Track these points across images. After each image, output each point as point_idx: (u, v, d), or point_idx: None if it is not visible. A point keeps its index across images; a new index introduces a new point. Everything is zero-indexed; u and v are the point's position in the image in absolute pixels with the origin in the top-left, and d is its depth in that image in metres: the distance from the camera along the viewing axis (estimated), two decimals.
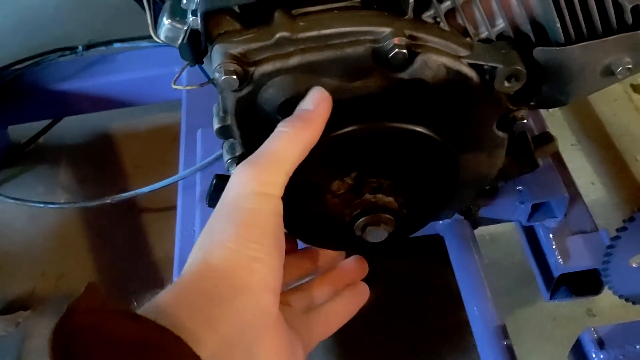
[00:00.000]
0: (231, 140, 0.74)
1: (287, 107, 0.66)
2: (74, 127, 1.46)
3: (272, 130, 0.64)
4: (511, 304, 1.07)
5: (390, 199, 0.64)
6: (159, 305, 0.40)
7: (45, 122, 1.39)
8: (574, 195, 0.94)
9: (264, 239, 0.45)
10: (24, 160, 1.41)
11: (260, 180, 0.47)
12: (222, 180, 0.79)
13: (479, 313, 0.80)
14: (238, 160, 0.73)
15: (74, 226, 1.27)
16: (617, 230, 0.74)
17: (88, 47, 1.29)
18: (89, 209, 1.29)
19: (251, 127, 0.69)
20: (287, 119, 0.53)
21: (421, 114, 0.63)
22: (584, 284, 0.95)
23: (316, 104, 0.55)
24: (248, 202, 0.46)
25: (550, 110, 1.36)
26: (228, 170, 0.75)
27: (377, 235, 0.63)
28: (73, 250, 1.23)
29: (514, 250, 1.13)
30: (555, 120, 1.34)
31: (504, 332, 0.78)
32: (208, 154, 1.00)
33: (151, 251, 1.22)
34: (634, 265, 0.81)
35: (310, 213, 0.66)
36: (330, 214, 0.66)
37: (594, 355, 0.79)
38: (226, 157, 0.74)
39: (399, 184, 0.65)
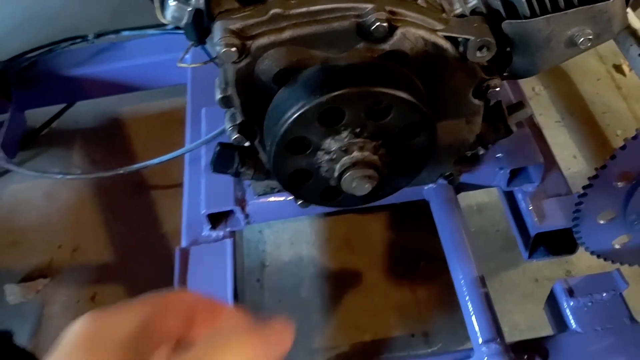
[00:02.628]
0: (232, 109, 0.83)
1: (282, 77, 0.74)
2: (85, 112, 1.54)
3: (269, 99, 0.72)
4: (496, 268, 1.15)
5: (375, 157, 0.72)
6: None
7: (58, 108, 1.47)
8: (551, 163, 1.02)
9: None
10: (39, 143, 1.49)
11: None
12: (225, 148, 0.87)
13: (459, 265, 0.88)
14: (239, 127, 0.81)
15: (88, 203, 1.36)
16: (583, 187, 0.82)
17: (98, 35, 1.37)
18: (102, 187, 1.38)
19: (250, 96, 0.77)
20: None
21: (403, 82, 0.71)
22: (561, 245, 1.03)
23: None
24: None
25: (536, 89, 1.44)
26: (230, 137, 0.83)
27: (361, 187, 0.71)
28: (87, 224, 1.32)
29: (500, 219, 1.21)
30: (540, 99, 1.42)
31: (482, 281, 0.86)
32: (212, 130, 1.08)
33: (161, 225, 1.30)
34: (601, 222, 0.88)
35: (303, 168, 0.74)
36: (320, 169, 0.74)
37: (565, 303, 0.87)
38: (228, 125, 0.83)
39: (384, 144, 0.73)
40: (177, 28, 0.90)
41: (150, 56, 1.35)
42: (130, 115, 1.54)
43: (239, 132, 0.80)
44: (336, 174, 0.72)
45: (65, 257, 1.27)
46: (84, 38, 1.37)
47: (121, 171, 1.06)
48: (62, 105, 1.47)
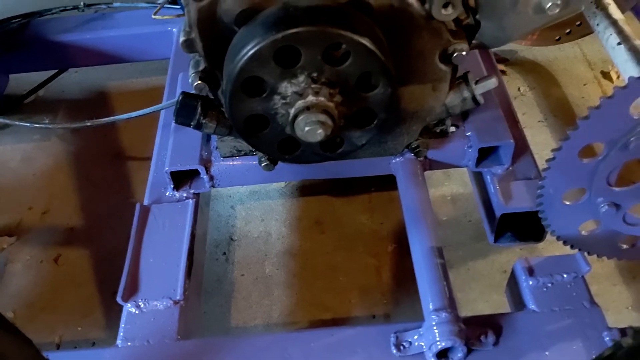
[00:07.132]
0: (196, 56, 0.82)
1: (243, 18, 0.74)
2: (73, 83, 1.55)
3: (230, 43, 0.70)
4: (464, 257, 1.12)
5: (331, 104, 0.71)
6: None
7: (45, 76, 1.48)
8: (523, 147, 1.00)
9: None
10: (23, 110, 1.50)
11: None
12: (187, 98, 0.87)
13: (417, 235, 0.86)
14: (201, 74, 0.81)
15: (64, 169, 1.35)
16: (547, 161, 0.80)
17: (89, 5, 1.39)
18: (79, 155, 1.38)
19: (212, 39, 0.77)
20: None
21: (363, 29, 0.70)
22: (529, 232, 1.01)
23: None
24: None
25: (522, 89, 1.43)
26: (192, 85, 0.83)
27: (314, 133, 0.70)
28: (60, 189, 1.31)
29: (473, 210, 1.19)
30: (525, 99, 1.41)
31: (438, 252, 0.83)
32: None
33: (132, 194, 1.29)
34: (567, 202, 0.86)
35: (260, 114, 0.73)
36: (277, 116, 0.73)
37: (524, 282, 0.85)
38: (191, 71, 0.82)
39: (341, 93, 0.72)
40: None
41: (139, 27, 1.36)
42: (116, 89, 1.54)
43: (200, 79, 0.80)
44: (290, 118, 0.71)
45: (34, 218, 1.26)
46: (75, 6, 1.38)
47: (89, 123, 1.05)
48: (49, 75, 1.48)
